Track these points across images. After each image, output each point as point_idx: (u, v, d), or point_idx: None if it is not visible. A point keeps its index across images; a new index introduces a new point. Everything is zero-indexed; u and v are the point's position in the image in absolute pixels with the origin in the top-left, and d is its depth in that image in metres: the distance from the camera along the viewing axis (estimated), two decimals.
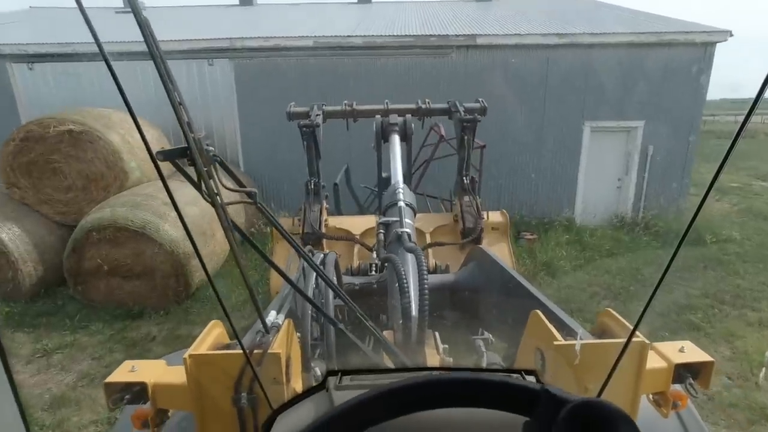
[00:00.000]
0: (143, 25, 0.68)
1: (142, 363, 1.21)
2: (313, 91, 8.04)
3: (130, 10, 0.66)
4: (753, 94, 0.59)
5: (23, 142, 6.37)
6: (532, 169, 9.23)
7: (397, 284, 1.63)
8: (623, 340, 0.87)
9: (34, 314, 5.92)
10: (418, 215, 2.65)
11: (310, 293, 1.50)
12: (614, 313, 1.26)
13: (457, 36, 8.77)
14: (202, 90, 8.87)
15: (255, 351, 1.05)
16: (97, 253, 5.80)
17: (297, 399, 0.78)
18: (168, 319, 5.83)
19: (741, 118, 0.65)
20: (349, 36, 8.81)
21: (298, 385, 1.23)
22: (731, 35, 8.38)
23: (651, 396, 1.23)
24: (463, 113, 3.42)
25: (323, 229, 3.20)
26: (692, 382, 1.17)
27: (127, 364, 1.21)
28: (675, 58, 8.58)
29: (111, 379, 1.15)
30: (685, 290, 6.22)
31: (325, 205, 3.42)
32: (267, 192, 9.06)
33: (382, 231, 2.41)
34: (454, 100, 3.64)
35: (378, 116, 3.52)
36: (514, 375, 0.74)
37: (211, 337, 1.19)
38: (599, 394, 0.85)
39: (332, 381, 0.80)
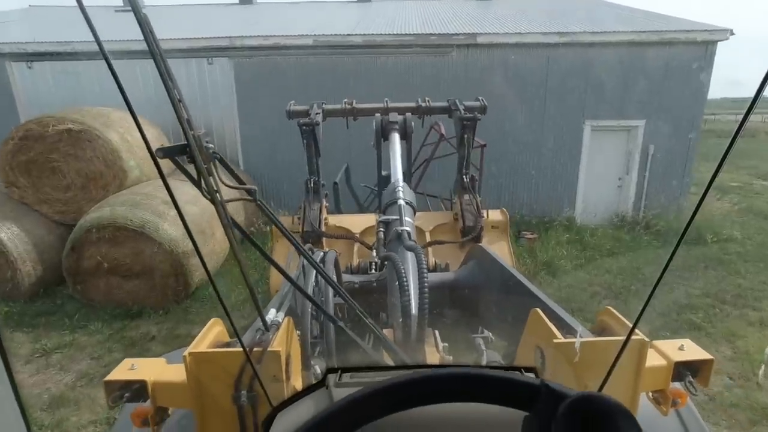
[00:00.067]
0: (143, 23, 0.68)
1: (142, 361, 1.21)
2: (313, 90, 8.04)
3: (129, 8, 0.66)
4: (753, 94, 0.59)
5: (22, 141, 6.37)
6: (533, 168, 9.22)
7: (396, 282, 1.64)
8: (623, 337, 0.87)
9: (33, 314, 5.92)
10: (417, 214, 2.65)
11: (309, 291, 1.50)
12: (614, 311, 1.26)
13: (457, 35, 8.76)
14: (201, 89, 8.86)
15: (255, 349, 1.05)
16: (96, 253, 5.79)
17: (297, 396, 0.78)
18: (167, 318, 5.82)
19: (741, 117, 0.65)
20: (348, 35, 8.80)
21: (298, 383, 1.23)
22: (732, 34, 8.38)
23: (651, 394, 1.23)
24: (462, 112, 3.42)
25: (323, 228, 3.21)
26: (692, 380, 1.17)
27: (127, 362, 1.21)
28: (676, 57, 8.57)
29: (111, 377, 1.15)
30: (685, 290, 6.21)
31: (324, 203, 3.42)
32: (267, 191, 9.06)
33: (381, 229, 2.41)
34: (454, 98, 3.64)
35: (378, 114, 3.52)
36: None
37: (211, 334, 1.19)
38: (599, 392, 0.85)
39: (332, 378, 0.80)
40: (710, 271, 6.97)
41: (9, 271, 6.03)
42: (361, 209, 5.52)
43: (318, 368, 1.40)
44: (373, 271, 2.47)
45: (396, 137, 3.31)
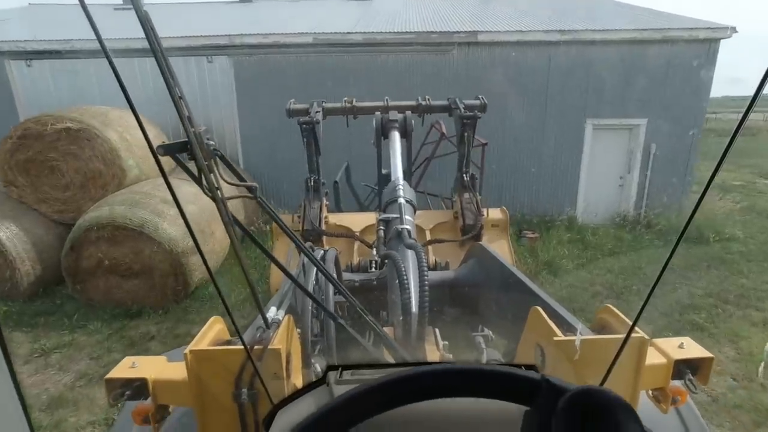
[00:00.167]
0: (144, 20, 0.68)
1: (143, 359, 1.21)
2: (313, 88, 8.04)
3: (128, 7, 0.66)
4: (753, 92, 0.59)
5: (21, 139, 6.36)
6: (534, 167, 9.21)
7: (397, 281, 1.64)
8: (623, 335, 0.87)
9: (32, 313, 5.91)
10: (418, 212, 2.65)
11: (310, 289, 1.51)
12: (614, 309, 1.26)
13: (458, 33, 8.74)
14: (201, 87, 8.85)
15: (255, 347, 1.05)
16: (95, 252, 5.78)
17: (297, 394, 0.78)
18: (167, 318, 5.82)
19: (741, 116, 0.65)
20: (349, 33, 8.79)
21: (298, 381, 1.23)
22: (735, 31, 8.34)
23: (650, 391, 1.23)
24: (463, 110, 3.42)
25: (323, 226, 3.21)
26: (691, 377, 1.17)
27: (128, 360, 1.21)
28: (678, 55, 8.53)
29: (112, 375, 1.15)
30: (688, 290, 6.18)
31: (325, 202, 3.42)
32: (267, 190, 9.05)
33: (382, 228, 2.42)
34: (454, 97, 3.64)
35: (378, 113, 3.52)
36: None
37: (211, 332, 1.19)
38: None
39: (332, 376, 0.80)
40: (713, 271, 6.93)
41: (8, 271, 6.03)
42: (362, 208, 5.53)
43: (318, 366, 1.40)
44: (374, 269, 2.47)
45: (396, 136, 3.31)
